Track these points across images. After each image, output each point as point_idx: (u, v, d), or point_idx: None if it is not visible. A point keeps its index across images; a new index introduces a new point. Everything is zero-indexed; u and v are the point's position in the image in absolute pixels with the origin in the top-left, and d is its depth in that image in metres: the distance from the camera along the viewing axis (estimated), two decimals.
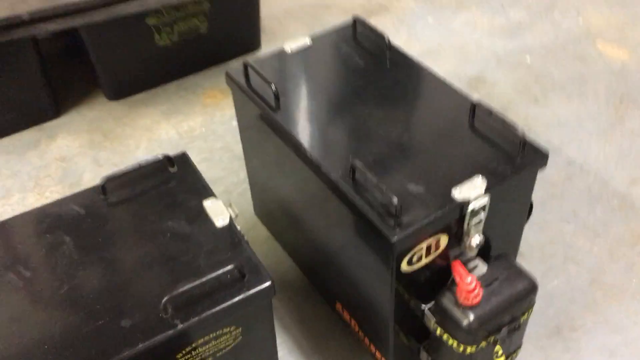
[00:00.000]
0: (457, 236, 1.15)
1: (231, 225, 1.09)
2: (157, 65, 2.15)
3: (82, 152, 1.96)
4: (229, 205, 1.13)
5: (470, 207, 1.08)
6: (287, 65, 1.41)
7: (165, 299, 0.95)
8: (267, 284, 1.01)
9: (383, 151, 1.18)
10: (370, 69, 1.38)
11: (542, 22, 2.40)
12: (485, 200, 1.09)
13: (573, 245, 1.62)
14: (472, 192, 1.08)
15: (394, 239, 1.02)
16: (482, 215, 1.12)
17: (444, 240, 1.13)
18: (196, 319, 0.96)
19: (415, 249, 1.09)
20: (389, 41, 1.41)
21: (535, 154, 1.16)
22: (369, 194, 1.09)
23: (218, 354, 1.06)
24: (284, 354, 1.42)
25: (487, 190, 1.09)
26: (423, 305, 1.21)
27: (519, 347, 1.28)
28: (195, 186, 1.17)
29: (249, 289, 0.99)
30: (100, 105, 2.13)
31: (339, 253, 1.29)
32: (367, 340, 1.37)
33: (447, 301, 1.17)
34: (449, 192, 1.08)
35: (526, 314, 1.22)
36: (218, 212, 1.11)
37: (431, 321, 1.21)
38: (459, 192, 1.08)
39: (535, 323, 1.42)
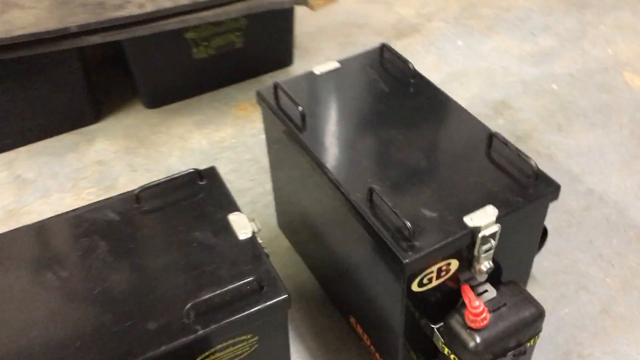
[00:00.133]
0: (468, 261, 1.20)
1: (253, 239, 1.16)
2: (193, 76, 2.24)
3: (118, 156, 2.06)
4: (252, 220, 1.20)
5: (481, 235, 1.13)
6: (315, 87, 1.47)
7: (188, 305, 1.02)
8: (284, 297, 1.07)
9: (401, 175, 1.24)
10: (394, 94, 1.44)
11: (570, 50, 2.43)
12: (495, 228, 1.14)
13: (587, 274, 1.65)
14: (484, 220, 1.13)
15: (406, 261, 1.08)
16: (493, 243, 1.17)
17: (454, 264, 1.18)
18: (216, 325, 1.03)
19: (426, 272, 1.14)
20: (413, 68, 1.47)
21: (547, 186, 1.21)
22: (384, 216, 1.15)
23: None
24: None
25: (498, 219, 1.14)
26: (432, 325, 1.27)
27: None
28: (222, 200, 1.24)
29: (266, 301, 1.06)
30: (137, 113, 2.23)
31: (354, 269, 1.35)
32: (377, 355, 1.42)
33: (455, 323, 1.22)
34: (462, 219, 1.14)
35: (532, 340, 1.26)
36: (242, 226, 1.18)
37: (439, 341, 1.26)
38: (471, 220, 1.13)
39: (544, 349, 1.46)
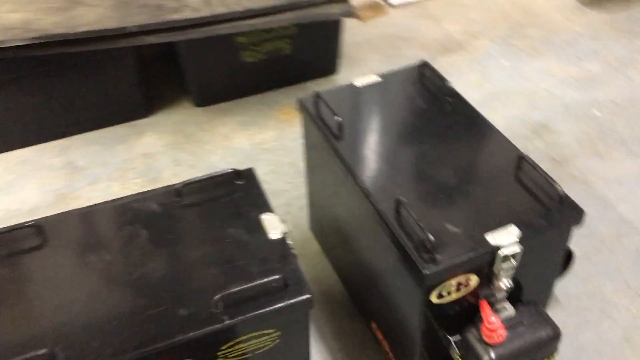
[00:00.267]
0: (488, 278, 1.24)
1: (283, 239, 1.23)
2: (241, 79, 2.33)
3: (164, 151, 2.16)
4: (283, 221, 1.26)
5: (501, 253, 1.17)
6: (354, 98, 1.53)
7: (217, 296, 1.09)
8: (307, 296, 1.13)
9: (429, 190, 1.29)
10: (431, 110, 1.49)
11: (616, 77, 2.42)
12: (516, 248, 1.18)
13: (611, 301, 1.65)
14: (505, 239, 1.17)
15: (426, 272, 1.13)
16: (513, 262, 1.20)
17: (474, 279, 1.22)
18: (241, 317, 1.09)
19: (445, 284, 1.18)
20: (451, 86, 1.51)
21: (572, 212, 1.23)
22: (409, 228, 1.20)
23: (257, 352, 1.19)
24: None
25: (520, 240, 1.18)
26: (450, 337, 1.31)
27: None
28: (257, 200, 1.31)
29: (290, 299, 1.12)
30: (185, 110, 2.33)
31: (378, 276, 1.41)
32: None
33: (471, 336, 1.26)
34: (484, 236, 1.18)
35: None
36: (273, 226, 1.25)
37: (455, 353, 1.30)
38: (493, 238, 1.17)
39: None
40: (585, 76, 2.43)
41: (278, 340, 1.19)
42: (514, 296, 1.31)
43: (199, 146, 2.17)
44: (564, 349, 1.29)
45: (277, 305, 1.11)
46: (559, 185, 1.23)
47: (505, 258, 1.19)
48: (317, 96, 1.48)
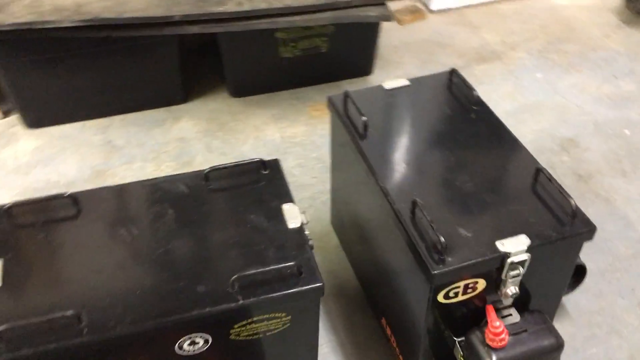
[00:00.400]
0: (496, 283, 1.28)
1: (301, 229, 1.29)
2: (277, 73, 2.40)
3: (198, 137, 2.24)
4: (303, 212, 1.32)
5: (510, 260, 1.21)
6: (382, 100, 1.58)
7: (234, 277, 1.16)
8: (318, 284, 1.19)
9: (446, 194, 1.33)
10: (455, 117, 1.53)
11: None
12: (525, 257, 1.21)
13: (622, 319, 1.67)
14: (514, 247, 1.21)
15: (434, 272, 1.17)
16: (521, 270, 1.24)
17: (481, 283, 1.26)
18: (255, 299, 1.16)
19: (453, 286, 1.23)
20: (477, 95, 1.55)
21: (583, 226, 1.26)
22: (422, 228, 1.24)
23: (267, 334, 1.25)
24: (328, 352, 1.60)
25: (529, 249, 1.21)
26: (455, 338, 1.35)
27: None
28: (280, 190, 1.37)
29: (302, 286, 1.18)
30: (221, 99, 2.41)
31: (390, 274, 1.46)
32: (401, 358, 1.52)
33: (475, 339, 1.30)
34: (494, 243, 1.22)
35: None
36: (293, 216, 1.31)
37: (459, 353, 1.34)
38: (502, 245, 1.21)
39: None
40: (619, 95, 2.42)
41: (288, 325, 1.25)
42: (521, 304, 1.34)
43: (231, 135, 2.25)
44: None
45: (289, 291, 1.17)
46: (573, 200, 1.26)
47: (513, 265, 1.22)
48: (346, 95, 1.53)
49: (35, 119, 2.25)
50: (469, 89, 1.56)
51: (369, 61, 2.50)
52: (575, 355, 1.59)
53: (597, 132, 2.26)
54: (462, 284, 1.23)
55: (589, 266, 1.65)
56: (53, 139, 2.22)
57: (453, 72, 1.62)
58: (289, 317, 1.24)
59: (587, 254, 1.74)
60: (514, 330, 1.30)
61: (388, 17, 2.11)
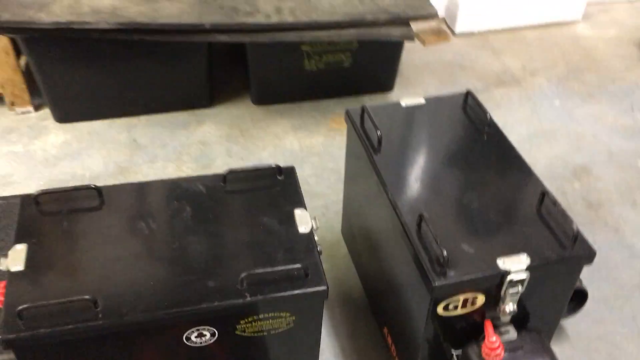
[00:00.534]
0: (495, 300, 1.32)
1: (311, 234, 1.34)
2: (300, 84, 2.47)
3: (219, 141, 2.31)
4: (313, 218, 1.38)
5: (509, 278, 1.25)
6: (397, 116, 1.64)
7: (243, 274, 1.21)
8: (323, 287, 1.24)
9: (453, 210, 1.38)
10: (467, 138, 1.58)
11: None
12: (524, 275, 1.25)
13: (621, 347, 1.69)
14: (514, 265, 1.25)
15: (435, 284, 1.22)
16: (520, 288, 1.28)
17: (481, 299, 1.30)
18: (261, 297, 1.21)
19: (453, 299, 1.27)
20: (490, 118, 1.59)
21: (583, 250, 1.30)
22: (427, 242, 1.29)
23: (272, 332, 1.31)
24: (329, 356, 1.65)
25: (528, 268, 1.25)
26: (453, 350, 1.39)
27: None
28: (293, 196, 1.43)
29: (307, 287, 1.23)
30: (245, 106, 2.48)
31: (394, 284, 1.50)
32: None
33: (472, 352, 1.34)
34: (495, 260, 1.26)
35: None
36: (304, 221, 1.36)
37: None
38: (503, 263, 1.25)
39: None
40: (635, 127, 2.45)
41: (292, 325, 1.31)
42: (519, 323, 1.38)
43: (251, 141, 2.32)
44: None
45: (295, 291, 1.23)
46: (575, 224, 1.30)
47: (513, 283, 1.26)
48: (364, 109, 1.59)
49: (65, 114, 2.34)
50: (483, 111, 1.61)
51: (391, 78, 2.56)
52: None
53: (611, 161, 2.28)
54: (461, 297, 1.28)
55: (592, 293, 1.68)
56: (81, 134, 2.31)
57: (468, 94, 1.67)
58: (293, 318, 1.29)
59: (591, 281, 1.77)
60: (510, 347, 1.34)
61: (411, 37, 2.17)
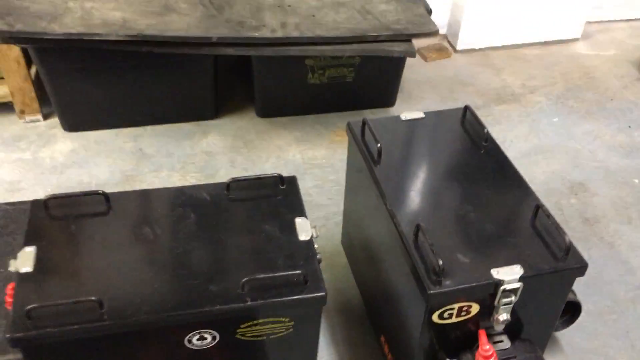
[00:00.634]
0: (489, 309, 1.35)
1: (310, 242, 1.38)
2: (303, 98, 2.52)
3: (223, 152, 2.36)
4: (313, 226, 1.42)
5: (503, 288, 1.29)
6: (398, 130, 1.68)
7: (244, 279, 1.25)
8: (321, 294, 1.28)
9: (449, 221, 1.42)
10: (465, 152, 1.62)
11: None
12: (517, 285, 1.29)
13: None
14: (508, 276, 1.29)
15: (430, 292, 1.26)
16: (513, 298, 1.31)
17: (475, 308, 1.33)
18: (262, 302, 1.25)
19: (448, 307, 1.31)
20: (488, 133, 1.64)
21: (575, 262, 1.33)
22: (423, 251, 1.33)
23: (271, 337, 1.34)
24: None
25: (521, 279, 1.29)
26: (447, 359, 1.42)
27: None
28: (294, 204, 1.47)
29: (306, 293, 1.27)
30: (249, 118, 2.53)
31: (391, 293, 1.54)
32: None
33: None
34: (489, 270, 1.30)
35: None
36: (304, 229, 1.41)
37: None
38: (497, 273, 1.29)
39: None
40: (632, 145, 2.49)
41: (291, 330, 1.34)
42: (513, 332, 1.41)
43: (255, 153, 2.36)
44: None
45: (294, 297, 1.27)
46: (568, 236, 1.33)
47: (506, 293, 1.30)
48: (364, 122, 1.64)
49: (73, 123, 2.39)
50: (481, 125, 1.66)
51: (392, 93, 2.61)
52: None
53: (607, 178, 2.32)
54: (456, 306, 1.31)
55: (587, 306, 1.71)
56: (88, 143, 2.36)
57: (467, 109, 1.72)
58: (292, 323, 1.33)
59: (586, 294, 1.81)
60: (503, 356, 1.37)
61: (412, 54, 2.22)
